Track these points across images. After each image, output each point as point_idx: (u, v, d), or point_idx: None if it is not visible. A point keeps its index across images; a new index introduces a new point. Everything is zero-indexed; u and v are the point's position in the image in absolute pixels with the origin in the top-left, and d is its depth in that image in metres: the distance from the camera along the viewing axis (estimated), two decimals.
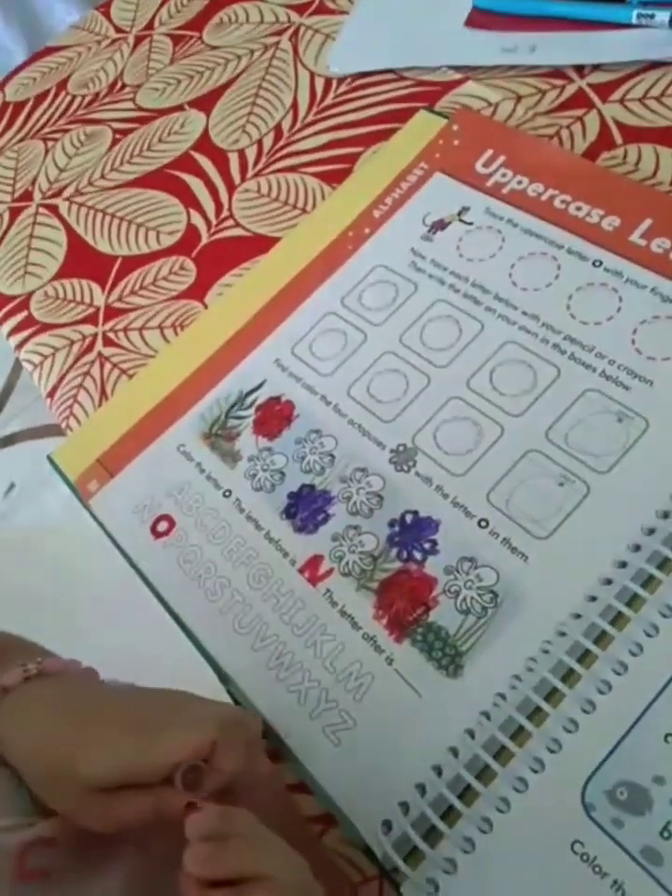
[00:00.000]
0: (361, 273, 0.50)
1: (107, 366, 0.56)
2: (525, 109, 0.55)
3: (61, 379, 0.57)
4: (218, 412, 0.49)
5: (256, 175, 0.61)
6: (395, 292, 0.49)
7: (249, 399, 0.48)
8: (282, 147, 0.61)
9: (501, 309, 0.46)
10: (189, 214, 0.61)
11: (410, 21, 0.63)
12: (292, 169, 0.60)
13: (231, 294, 0.55)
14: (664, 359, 0.41)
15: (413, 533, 0.41)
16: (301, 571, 0.42)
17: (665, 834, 0.31)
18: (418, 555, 0.40)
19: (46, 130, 0.72)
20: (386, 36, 0.63)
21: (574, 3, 0.55)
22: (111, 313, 0.58)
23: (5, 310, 0.62)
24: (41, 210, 0.67)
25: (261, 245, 0.56)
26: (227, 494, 0.45)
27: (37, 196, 0.68)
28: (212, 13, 0.73)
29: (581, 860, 0.31)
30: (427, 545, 0.40)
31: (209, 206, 0.61)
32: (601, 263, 0.45)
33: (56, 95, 0.75)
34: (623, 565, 0.36)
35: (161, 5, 0.77)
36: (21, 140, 0.73)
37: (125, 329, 0.57)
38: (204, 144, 0.64)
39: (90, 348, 0.57)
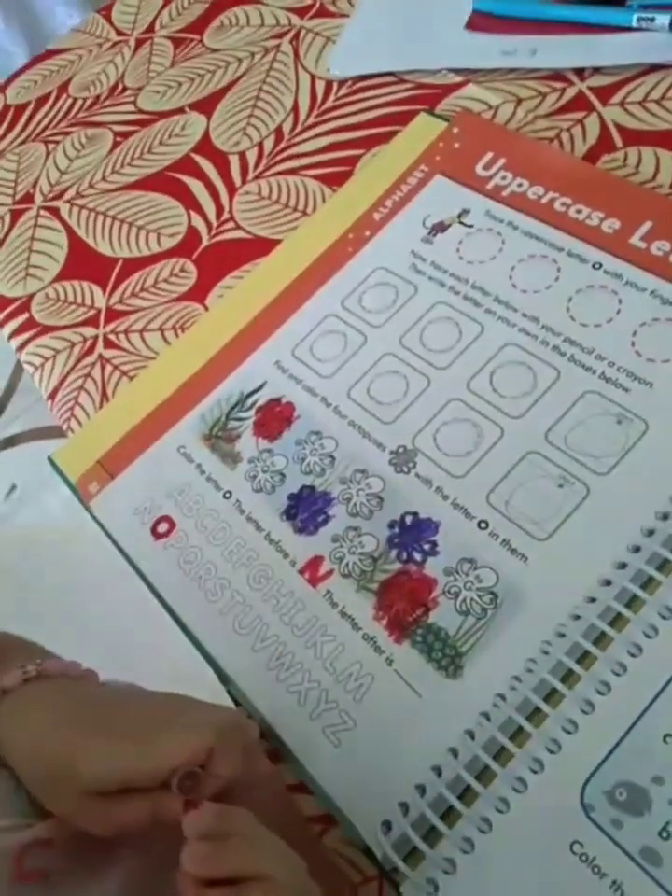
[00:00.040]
0: (362, 276, 0.50)
1: (108, 368, 0.56)
2: (526, 112, 0.55)
3: (62, 381, 0.57)
4: (219, 413, 0.49)
5: (256, 177, 0.61)
6: (395, 294, 0.49)
7: (250, 401, 0.48)
8: (282, 150, 0.61)
9: (501, 311, 0.46)
10: (189, 216, 0.61)
11: (410, 25, 0.63)
12: (293, 171, 0.60)
13: (232, 296, 0.55)
14: (663, 362, 0.41)
15: (413, 534, 0.41)
16: (301, 572, 0.42)
17: (664, 835, 0.31)
18: (418, 556, 0.40)
19: (47, 132, 0.73)
20: (387, 39, 0.63)
21: (574, 6, 0.55)
22: (112, 315, 0.58)
23: (6, 312, 0.62)
24: (42, 212, 0.67)
25: (262, 247, 0.56)
26: (227, 495, 0.45)
27: (38, 198, 0.68)
28: (213, 16, 0.73)
29: (580, 860, 0.31)
30: (426, 546, 0.40)
31: (210, 209, 0.61)
32: (601, 266, 0.45)
33: (57, 98, 0.75)
34: (623, 566, 0.36)
35: (162, 8, 0.77)
36: (23, 143, 0.73)
37: (126, 331, 0.57)
38: (205, 146, 0.64)
39: (91, 350, 0.57)
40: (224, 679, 0.41)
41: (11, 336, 0.61)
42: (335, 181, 0.57)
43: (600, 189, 0.48)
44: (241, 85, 0.67)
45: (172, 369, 0.52)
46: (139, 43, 0.75)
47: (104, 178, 0.66)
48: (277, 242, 0.56)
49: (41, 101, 0.75)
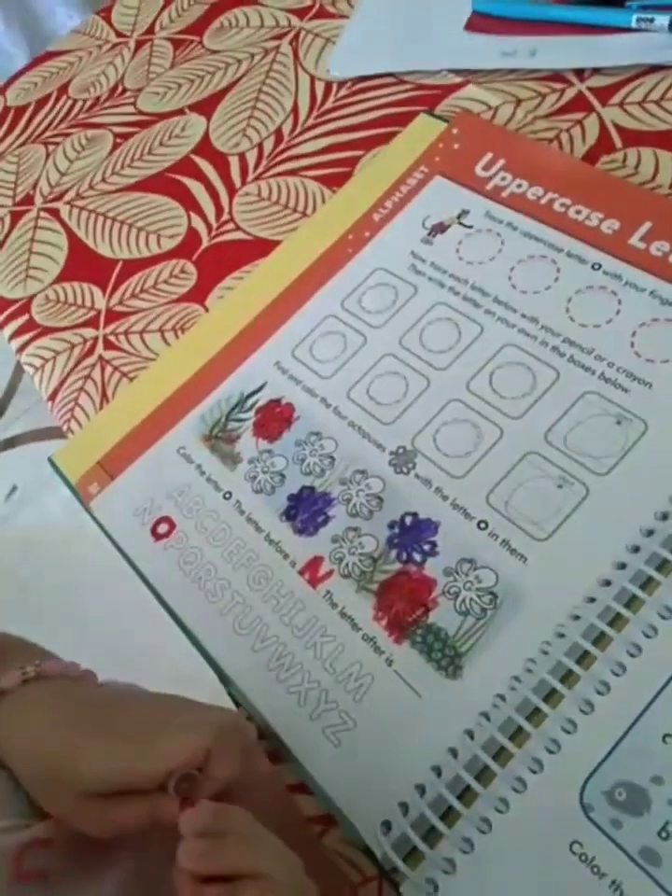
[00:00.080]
0: (361, 276, 0.51)
1: (108, 369, 0.56)
2: (525, 113, 0.55)
3: (62, 382, 0.57)
4: (219, 414, 0.49)
5: (256, 178, 0.61)
6: (395, 295, 0.49)
7: (249, 402, 0.48)
8: (282, 151, 0.61)
9: (501, 312, 0.46)
10: (189, 217, 0.61)
11: (410, 26, 0.63)
12: (292, 172, 0.60)
13: (232, 297, 0.55)
14: (663, 362, 0.41)
15: (413, 535, 0.41)
16: (301, 573, 0.42)
17: (664, 835, 0.31)
18: (418, 557, 0.40)
19: (47, 134, 0.73)
20: (386, 40, 0.63)
21: (574, 7, 0.56)
22: (112, 316, 0.59)
23: (6, 313, 0.62)
24: (42, 214, 0.67)
25: (262, 248, 0.56)
26: (227, 496, 0.46)
27: (39, 200, 0.68)
28: (212, 17, 0.73)
29: (579, 860, 0.31)
30: (426, 547, 0.40)
31: (210, 210, 0.61)
32: (600, 266, 0.45)
33: (57, 99, 0.75)
34: (622, 566, 0.36)
35: (162, 9, 0.77)
36: (23, 144, 0.73)
37: (126, 333, 0.57)
38: (205, 147, 0.64)
39: (91, 351, 0.57)
40: (224, 679, 0.41)
41: (11, 337, 0.61)
42: (335, 182, 0.57)
43: (600, 190, 0.48)
44: (241, 86, 0.67)
45: (172, 370, 0.52)
46: (139, 44, 0.75)
47: (104, 180, 0.66)
48: (277, 243, 0.56)
49: (41, 102, 0.76)
